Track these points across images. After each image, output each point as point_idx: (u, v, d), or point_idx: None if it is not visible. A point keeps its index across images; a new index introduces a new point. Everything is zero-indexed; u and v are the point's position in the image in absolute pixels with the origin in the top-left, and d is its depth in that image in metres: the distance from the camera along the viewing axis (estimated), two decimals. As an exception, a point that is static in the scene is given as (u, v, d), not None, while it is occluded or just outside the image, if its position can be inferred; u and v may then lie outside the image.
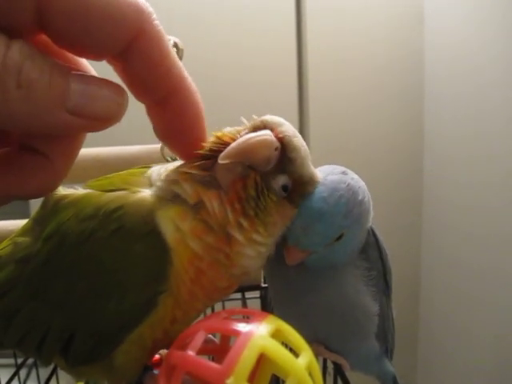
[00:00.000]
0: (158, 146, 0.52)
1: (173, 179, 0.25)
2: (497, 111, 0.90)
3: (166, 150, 0.44)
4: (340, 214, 0.27)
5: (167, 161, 0.45)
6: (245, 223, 0.24)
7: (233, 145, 0.24)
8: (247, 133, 0.25)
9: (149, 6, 0.17)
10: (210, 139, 0.25)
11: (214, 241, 0.24)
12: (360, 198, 0.28)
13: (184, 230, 0.24)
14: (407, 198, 1.21)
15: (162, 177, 0.26)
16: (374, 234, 0.33)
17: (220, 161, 0.23)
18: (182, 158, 0.25)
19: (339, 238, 0.28)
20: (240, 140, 0.24)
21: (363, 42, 1.11)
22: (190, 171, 0.25)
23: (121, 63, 0.18)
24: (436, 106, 1.15)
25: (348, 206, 0.28)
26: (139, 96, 0.20)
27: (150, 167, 0.28)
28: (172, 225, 0.24)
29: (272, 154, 0.24)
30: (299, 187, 0.27)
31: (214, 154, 0.24)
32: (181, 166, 0.26)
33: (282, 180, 0.25)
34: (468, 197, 1.01)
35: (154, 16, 0.18)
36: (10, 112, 0.14)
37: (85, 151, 0.55)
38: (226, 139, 0.25)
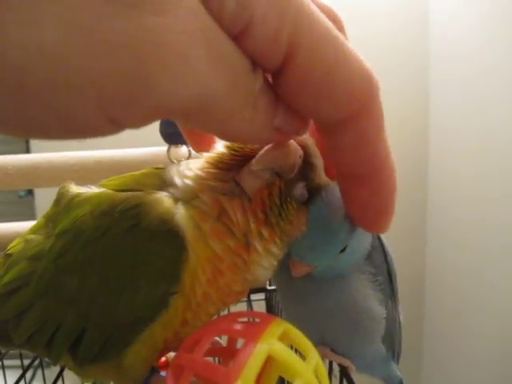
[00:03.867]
0: (163, 148, 0.52)
1: (192, 188, 0.25)
2: (502, 117, 0.89)
3: (173, 153, 0.44)
4: (345, 231, 0.27)
5: (173, 163, 0.45)
6: (265, 233, 0.24)
7: (265, 151, 0.24)
8: None
9: (375, 77, 0.18)
10: (222, 151, 0.26)
11: (234, 245, 0.24)
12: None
13: (205, 229, 0.24)
14: (412, 203, 1.21)
15: (180, 180, 0.26)
16: (379, 238, 0.33)
17: (253, 167, 0.24)
18: (365, 227, 0.24)
19: (343, 250, 0.28)
20: (270, 147, 0.24)
21: (367, 49, 1.11)
22: (210, 183, 0.25)
23: (329, 136, 0.19)
24: (441, 112, 1.15)
25: (351, 220, 0.27)
26: (338, 170, 0.21)
27: (161, 168, 0.29)
28: (192, 223, 0.24)
29: (297, 161, 0.24)
30: (314, 195, 0.27)
31: (232, 165, 0.25)
32: (200, 175, 0.26)
33: (300, 188, 0.26)
34: (473, 198, 1.01)
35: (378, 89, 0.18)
36: (238, 126, 0.16)
37: (89, 154, 0.56)
38: (247, 151, 0.25)
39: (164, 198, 0.25)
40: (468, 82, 1.01)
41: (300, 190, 0.25)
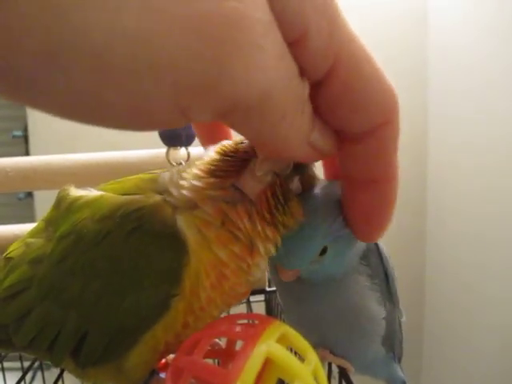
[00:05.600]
0: (162, 150, 0.52)
1: (190, 199, 0.25)
2: (502, 111, 0.89)
3: (172, 155, 0.45)
4: (321, 233, 0.26)
5: (172, 165, 0.45)
6: (269, 233, 0.25)
7: (265, 156, 0.24)
8: None
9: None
10: (214, 157, 0.25)
11: (240, 250, 0.24)
12: (337, 205, 0.27)
13: (209, 236, 0.24)
14: (411, 203, 1.21)
15: (176, 190, 0.26)
16: None
17: (258, 173, 0.24)
18: (358, 235, 0.25)
19: (323, 252, 0.27)
20: None
21: (365, 39, 1.11)
22: (210, 193, 0.24)
23: (349, 143, 0.20)
24: (440, 107, 1.15)
25: (326, 221, 0.26)
26: (349, 175, 0.22)
27: (156, 173, 0.28)
28: (195, 229, 0.24)
29: None
30: (307, 186, 0.27)
31: (229, 172, 0.25)
32: (197, 185, 0.25)
33: (296, 181, 0.26)
34: (472, 200, 1.01)
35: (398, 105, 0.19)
36: (286, 131, 0.17)
37: (88, 156, 0.56)
38: (240, 155, 0.25)
39: (164, 203, 0.25)
40: (468, 76, 1.01)
41: (296, 183, 0.26)
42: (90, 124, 0.15)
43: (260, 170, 0.24)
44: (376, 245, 0.33)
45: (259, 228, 0.24)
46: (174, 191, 0.25)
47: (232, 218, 0.24)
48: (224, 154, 0.25)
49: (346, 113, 0.18)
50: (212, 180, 0.25)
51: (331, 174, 0.28)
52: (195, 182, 0.25)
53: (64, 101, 0.13)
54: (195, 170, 0.25)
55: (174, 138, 0.45)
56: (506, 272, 0.88)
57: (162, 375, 0.30)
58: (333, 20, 0.16)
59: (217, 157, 0.25)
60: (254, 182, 0.24)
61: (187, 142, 0.45)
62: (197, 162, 0.26)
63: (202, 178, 0.25)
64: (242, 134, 0.22)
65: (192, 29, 0.12)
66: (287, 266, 0.28)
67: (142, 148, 0.57)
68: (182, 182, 0.25)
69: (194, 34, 0.12)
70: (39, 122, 1.17)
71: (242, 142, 0.26)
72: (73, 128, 1.09)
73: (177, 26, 0.12)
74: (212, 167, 0.25)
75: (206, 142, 0.28)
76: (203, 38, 0.13)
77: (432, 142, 1.19)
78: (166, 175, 0.27)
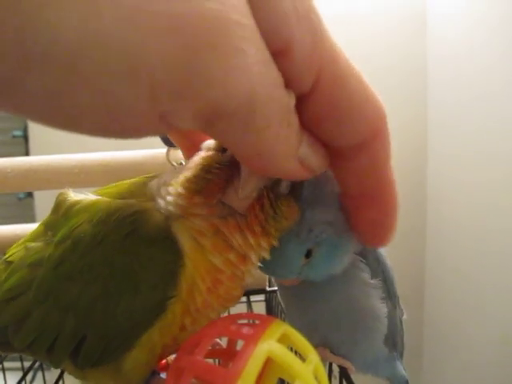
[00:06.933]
0: (162, 150, 0.52)
1: (179, 213, 0.25)
2: (500, 114, 0.90)
3: (172, 155, 0.45)
4: (289, 246, 0.26)
5: (173, 165, 0.45)
6: (264, 243, 0.24)
7: (247, 175, 0.23)
8: None
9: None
10: (196, 172, 0.25)
11: (235, 258, 0.25)
12: (320, 207, 0.26)
13: (204, 244, 0.24)
14: (411, 201, 1.21)
15: (164, 203, 0.25)
16: None
17: (241, 195, 0.23)
18: (367, 243, 0.25)
19: (309, 255, 0.27)
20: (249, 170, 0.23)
21: (365, 48, 1.11)
22: (197, 211, 0.24)
23: (342, 160, 0.19)
24: (439, 110, 1.15)
25: (300, 232, 0.26)
26: (347, 192, 0.22)
27: (149, 177, 0.28)
28: (189, 235, 0.24)
29: None
30: (298, 184, 0.26)
31: (215, 189, 0.24)
32: (182, 204, 0.24)
33: (284, 183, 0.25)
34: (473, 200, 1.01)
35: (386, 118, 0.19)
36: (272, 141, 0.16)
37: (89, 156, 0.56)
38: (224, 171, 0.24)
39: (156, 209, 0.25)
40: (466, 79, 1.01)
41: (284, 184, 0.25)
42: (68, 130, 0.14)
43: (243, 191, 0.23)
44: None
45: (251, 241, 0.24)
46: (162, 203, 0.25)
47: (224, 231, 0.24)
48: (206, 170, 0.24)
49: (332, 126, 0.18)
50: (197, 200, 0.24)
51: None
52: (180, 201, 0.24)
53: (39, 105, 0.13)
54: (179, 189, 0.25)
55: (174, 138, 0.44)
56: (507, 269, 0.88)
57: (163, 375, 0.31)
58: (316, 32, 0.15)
59: (199, 173, 0.25)
60: (241, 201, 0.24)
61: (187, 142, 0.45)
62: (180, 177, 0.25)
63: (187, 197, 0.24)
64: (226, 146, 0.22)
65: (168, 30, 0.12)
66: (279, 278, 0.28)
67: (142, 148, 0.57)
68: (168, 198, 0.25)
69: (170, 36, 0.12)
70: (39, 122, 1.17)
71: (225, 150, 0.25)
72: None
73: (152, 26, 0.12)
74: (195, 186, 0.24)
75: (189, 154, 0.27)
76: (180, 40, 0.12)
77: (431, 146, 1.20)
78: (153, 184, 0.27)
